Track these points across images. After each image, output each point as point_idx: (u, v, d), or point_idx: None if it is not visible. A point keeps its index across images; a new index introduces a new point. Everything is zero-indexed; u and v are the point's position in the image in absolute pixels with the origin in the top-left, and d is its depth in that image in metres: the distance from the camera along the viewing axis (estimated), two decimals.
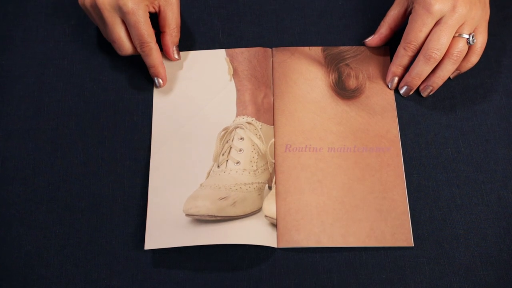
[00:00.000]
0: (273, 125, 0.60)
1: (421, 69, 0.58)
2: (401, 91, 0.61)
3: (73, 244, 0.56)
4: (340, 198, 0.56)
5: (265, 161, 0.58)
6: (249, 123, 0.59)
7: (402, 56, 0.59)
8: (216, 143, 0.58)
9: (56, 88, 0.62)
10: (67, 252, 0.55)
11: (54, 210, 0.57)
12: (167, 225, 0.54)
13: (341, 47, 0.64)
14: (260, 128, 0.59)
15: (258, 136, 0.58)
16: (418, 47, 0.58)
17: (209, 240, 0.53)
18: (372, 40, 0.62)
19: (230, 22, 0.66)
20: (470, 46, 0.58)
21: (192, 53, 0.63)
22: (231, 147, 0.58)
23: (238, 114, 0.60)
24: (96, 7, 0.57)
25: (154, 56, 0.59)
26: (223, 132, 0.59)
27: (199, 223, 0.54)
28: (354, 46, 0.64)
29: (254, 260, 0.55)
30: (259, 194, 0.56)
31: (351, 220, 0.55)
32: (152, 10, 0.59)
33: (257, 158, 0.58)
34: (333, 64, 0.62)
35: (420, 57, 0.58)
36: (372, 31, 0.63)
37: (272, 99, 0.61)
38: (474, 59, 0.59)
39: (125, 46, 0.60)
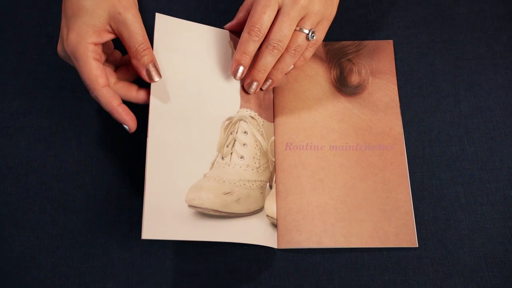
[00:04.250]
0: (273, 122, 0.59)
1: (266, 60, 0.55)
2: (249, 89, 0.58)
3: (67, 245, 0.55)
4: (342, 198, 0.56)
5: (267, 159, 0.57)
6: (252, 117, 0.58)
7: (246, 41, 0.54)
8: (220, 132, 0.56)
9: (49, 85, 0.62)
10: (61, 253, 0.55)
11: (47, 210, 0.57)
12: (167, 215, 0.51)
13: (343, 42, 0.63)
14: (262, 125, 0.58)
15: (260, 133, 0.57)
16: (263, 32, 0.54)
17: (211, 237, 0.51)
18: (231, 25, 0.60)
19: (230, 16, 0.65)
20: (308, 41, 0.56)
21: (194, 25, 0.59)
22: (235, 140, 0.56)
23: (241, 106, 0.58)
24: (65, 60, 0.55)
25: (103, 103, 0.52)
26: (227, 122, 0.57)
27: (201, 217, 0.52)
28: (356, 41, 0.63)
29: (253, 261, 0.55)
30: (261, 193, 0.55)
31: (353, 220, 0.55)
32: (110, 36, 0.53)
33: (259, 155, 0.57)
34: (334, 60, 0.62)
35: (263, 48, 0.55)
36: (374, 25, 0.63)
37: (272, 95, 0.61)
38: (308, 54, 0.58)
39: (91, 88, 0.53)
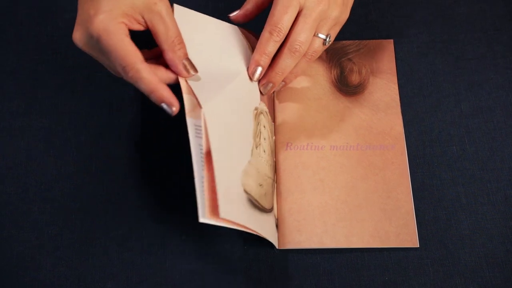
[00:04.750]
0: (274, 122, 0.59)
1: (286, 63, 0.54)
2: (264, 90, 0.56)
3: (66, 245, 0.55)
4: (343, 198, 0.56)
5: (273, 158, 0.57)
6: (267, 113, 0.57)
7: (267, 41, 0.52)
8: (252, 120, 0.54)
9: (49, 85, 0.62)
10: (60, 253, 0.55)
11: (47, 210, 0.57)
12: (232, 197, 0.48)
13: (343, 41, 0.63)
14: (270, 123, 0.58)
15: (271, 130, 0.57)
16: (284, 33, 0.52)
17: (256, 227, 0.49)
18: (237, 15, 0.56)
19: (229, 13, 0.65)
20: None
21: (211, 19, 0.56)
22: (261, 132, 0.55)
23: (260, 99, 0.57)
24: (83, 49, 0.50)
25: (145, 79, 0.48)
26: (255, 111, 0.55)
27: (249, 204, 0.50)
28: (356, 40, 0.63)
29: (253, 261, 0.55)
30: (273, 191, 0.55)
31: (354, 220, 0.55)
32: (138, 27, 0.49)
33: (270, 152, 0.56)
34: (335, 59, 0.62)
35: (284, 50, 0.53)
36: (374, 25, 0.63)
37: (273, 95, 0.61)
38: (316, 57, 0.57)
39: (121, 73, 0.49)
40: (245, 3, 0.56)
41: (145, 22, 0.49)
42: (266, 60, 0.54)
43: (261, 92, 0.57)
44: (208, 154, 0.47)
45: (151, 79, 0.48)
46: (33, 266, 0.54)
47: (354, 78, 0.61)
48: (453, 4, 0.65)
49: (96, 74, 0.62)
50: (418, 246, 0.54)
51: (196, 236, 0.55)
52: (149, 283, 0.54)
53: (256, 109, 0.55)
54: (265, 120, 0.56)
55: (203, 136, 0.47)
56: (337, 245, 0.54)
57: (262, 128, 0.55)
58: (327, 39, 0.55)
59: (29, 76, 0.62)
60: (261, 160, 0.54)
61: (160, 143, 0.59)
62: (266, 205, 0.53)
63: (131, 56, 0.47)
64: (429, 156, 0.58)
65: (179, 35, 0.50)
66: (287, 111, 0.60)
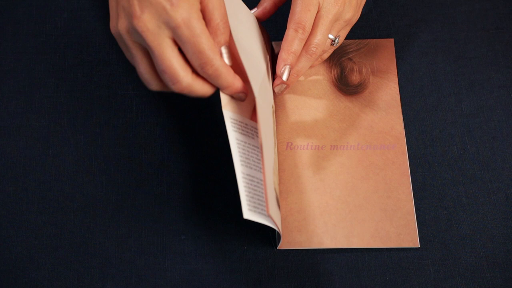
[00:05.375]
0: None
1: (302, 65, 0.53)
2: (278, 90, 0.55)
3: (65, 245, 0.55)
4: (344, 198, 0.56)
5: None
6: (274, 111, 0.56)
7: (292, 39, 0.51)
8: (271, 117, 0.54)
9: (48, 84, 0.62)
10: (59, 254, 0.55)
11: (46, 210, 0.56)
12: (272, 194, 0.48)
13: (344, 41, 0.62)
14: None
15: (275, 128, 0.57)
16: (308, 30, 0.51)
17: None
18: (256, 13, 0.55)
19: None
20: None
21: (241, 3, 0.54)
22: (275, 130, 0.55)
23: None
24: (135, 33, 0.45)
25: (224, 75, 0.46)
26: (272, 109, 0.55)
27: (276, 202, 0.50)
28: (357, 40, 0.63)
29: (253, 261, 0.54)
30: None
31: (355, 221, 0.55)
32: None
33: (276, 151, 0.56)
34: (335, 59, 0.62)
35: (302, 51, 0.52)
36: (375, 24, 0.63)
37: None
38: (325, 57, 0.57)
39: (181, 74, 0.45)
40: (261, 1, 0.55)
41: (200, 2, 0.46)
42: (293, 59, 0.52)
43: (274, 92, 0.56)
44: (261, 149, 0.46)
45: (228, 74, 0.47)
46: (32, 266, 0.54)
47: (355, 78, 0.61)
48: (454, 3, 0.65)
49: (95, 74, 0.62)
50: (419, 246, 0.54)
51: (195, 236, 0.55)
52: (149, 283, 0.54)
53: (272, 106, 0.55)
54: (274, 118, 0.56)
55: (259, 129, 0.46)
56: (337, 246, 0.54)
57: (275, 127, 0.55)
58: (336, 41, 0.55)
59: (28, 76, 0.62)
60: (276, 158, 0.54)
61: (160, 142, 0.59)
62: (279, 203, 0.53)
63: (211, 51, 0.45)
64: (429, 155, 0.58)
65: (225, 16, 0.47)
66: (287, 111, 0.59)
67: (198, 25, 0.44)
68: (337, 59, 0.62)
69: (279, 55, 0.52)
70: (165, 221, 0.56)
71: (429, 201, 0.56)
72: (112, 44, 0.63)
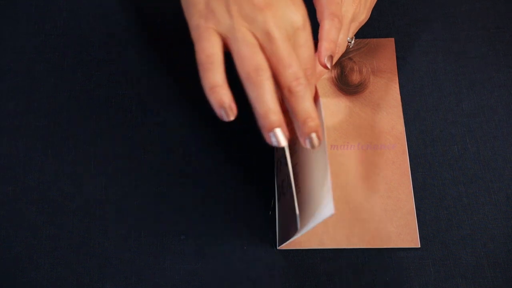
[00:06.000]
0: None
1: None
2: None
3: (64, 246, 0.55)
4: (344, 198, 0.56)
5: None
6: None
7: (330, 28, 0.49)
8: None
9: (47, 84, 0.62)
10: (58, 254, 0.55)
11: (45, 210, 0.56)
12: None
13: None
14: None
15: None
16: (342, 21, 0.51)
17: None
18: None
19: None
20: None
21: None
22: None
23: None
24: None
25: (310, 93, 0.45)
26: None
27: None
28: (357, 39, 0.63)
29: (253, 262, 0.54)
30: None
31: (355, 221, 0.55)
32: None
33: None
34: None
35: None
36: (375, 23, 0.63)
37: None
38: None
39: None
40: None
41: None
42: (335, 48, 0.50)
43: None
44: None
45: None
46: (31, 266, 0.54)
47: (355, 77, 0.61)
48: (454, 2, 0.64)
49: (95, 74, 0.62)
50: (419, 246, 0.54)
51: (195, 236, 0.55)
52: (148, 283, 0.54)
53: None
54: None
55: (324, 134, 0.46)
56: (337, 246, 0.54)
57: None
58: (352, 42, 0.55)
59: (27, 75, 0.62)
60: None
61: (159, 143, 0.59)
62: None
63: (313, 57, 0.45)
64: (430, 155, 0.58)
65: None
66: None
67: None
68: (337, 59, 0.62)
69: (319, 46, 0.50)
70: (165, 221, 0.56)
71: (429, 201, 0.56)
72: (112, 44, 0.63)
